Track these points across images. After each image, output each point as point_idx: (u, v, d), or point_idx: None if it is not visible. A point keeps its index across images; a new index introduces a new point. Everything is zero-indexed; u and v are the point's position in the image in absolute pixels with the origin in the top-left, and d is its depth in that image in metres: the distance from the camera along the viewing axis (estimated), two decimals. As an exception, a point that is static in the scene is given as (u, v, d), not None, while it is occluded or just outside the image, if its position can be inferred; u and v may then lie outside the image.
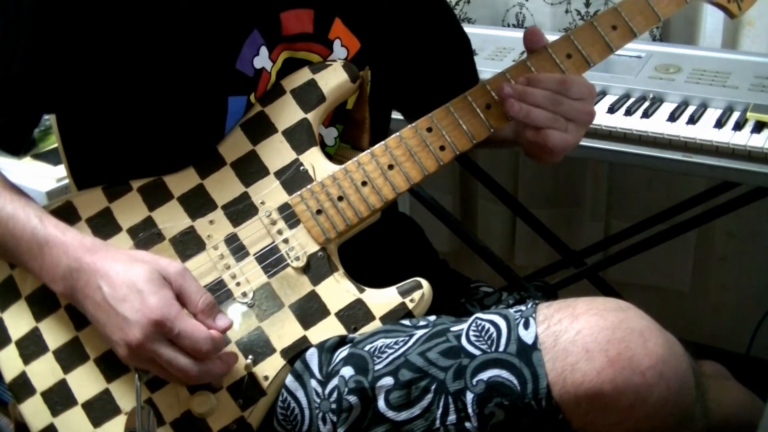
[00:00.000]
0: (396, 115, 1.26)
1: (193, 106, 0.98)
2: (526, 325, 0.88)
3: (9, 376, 0.98)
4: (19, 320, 0.99)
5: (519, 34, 1.83)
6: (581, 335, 0.85)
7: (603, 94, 1.56)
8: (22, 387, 0.97)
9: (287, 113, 1.01)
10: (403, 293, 0.97)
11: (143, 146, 1.01)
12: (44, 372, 0.97)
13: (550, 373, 0.84)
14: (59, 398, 0.97)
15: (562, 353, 0.84)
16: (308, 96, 1.02)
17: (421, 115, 1.02)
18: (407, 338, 0.92)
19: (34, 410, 0.97)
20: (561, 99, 1.00)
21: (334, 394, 0.91)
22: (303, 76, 1.03)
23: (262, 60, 1.00)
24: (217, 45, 0.97)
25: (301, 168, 1.00)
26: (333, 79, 1.02)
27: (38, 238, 0.92)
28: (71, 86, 0.96)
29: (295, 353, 0.96)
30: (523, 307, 0.91)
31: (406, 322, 0.96)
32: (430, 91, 1.16)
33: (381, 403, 0.89)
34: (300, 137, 1.01)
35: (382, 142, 1.00)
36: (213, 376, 0.90)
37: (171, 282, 0.89)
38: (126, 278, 0.88)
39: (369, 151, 1.00)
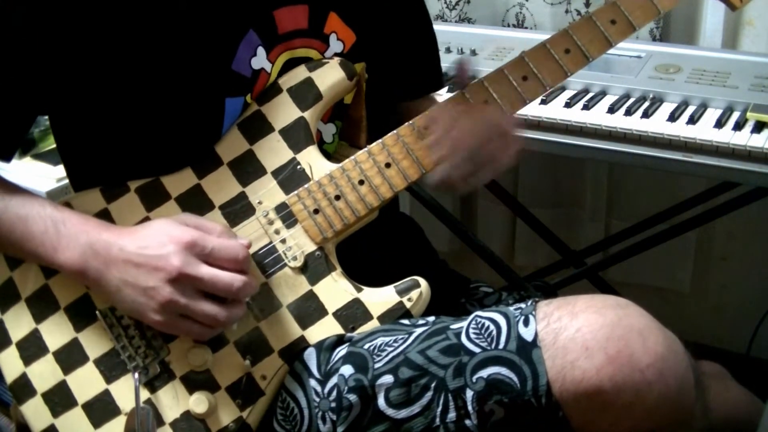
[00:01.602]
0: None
1: (189, 108, 0.98)
2: (526, 323, 0.88)
3: (10, 378, 0.98)
4: (19, 322, 0.99)
5: (519, 34, 1.88)
6: (581, 333, 0.84)
7: (603, 94, 1.56)
8: (23, 388, 0.98)
9: (284, 112, 1.01)
10: (401, 292, 0.97)
11: (140, 147, 1.00)
12: (44, 373, 0.97)
13: (550, 371, 0.84)
14: (59, 399, 0.97)
15: (562, 351, 0.84)
16: (305, 94, 1.01)
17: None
18: (407, 336, 0.92)
19: (34, 411, 0.97)
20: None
21: (334, 393, 0.91)
22: (299, 74, 1.02)
23: (260, 61, 1.00)
24: (212, 46, 0.96)
25: (298, 167, 1.00)
26: (330, 77, 1.02)
27: (54, 218, 0.93)
28: (65, 88, 0.96)
29: (293, 353, 0.95)
30: (523, 305, 0.91)
31: (405, 321, 0.95)
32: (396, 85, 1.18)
33: (381, 402, 0.89)
34: (297, 136, 1.00)
35: (379, 141, 1.00)
36: (253, 288, 0.93)
37: (187, 223, 0.92)
38: (145, 231, 0.92)
39: (366, 149, 1.00)
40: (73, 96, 0.97)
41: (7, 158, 0.99)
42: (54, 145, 1.58)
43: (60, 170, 1.55)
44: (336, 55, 1.06)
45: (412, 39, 1.22)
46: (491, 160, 1.00)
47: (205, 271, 0.88)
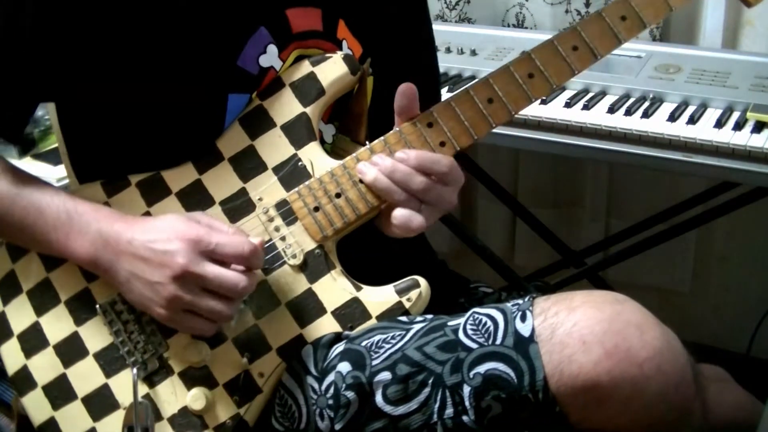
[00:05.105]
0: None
1: (192, 102, 0.97)
2: (523, 318, 0.88)
3: (11, 369, 0.99)
4: (20, 314, 0.99)
5: (519, 34, 1.89)
6: (578, 327, 0.84)
7: (603, 94, 1.57)
8: (24, 380, 0.99)
9: (286, 107, 1.00)
10: (400, 292, 0.96)
11: (142, 138, 1.00)
12: (45, 366, 0.98)
13: (547, 366, 0.84)
14: (59, 392, 0.97)
15: (559, 345, 0.84)
16: (308, 89, 1.00)
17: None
18: (404, 333, 0.92)
19: (35, 403, 0.98)
20: (420, 179, 0.94)
21: (331, 390, 0.91)
22: (302, 69, 1.00)
23: (270, 58, 0.99)
24: (219, 41, 0.96)
25: (300, 163, 0.99)
26: (333, 71, 1.00)
27: (68, 207, 0.95)
28: (71, 75, 0.96)
29: (291, 351, 0.95)
30: (520, 301, 0.91)
31: (403, 318, 0.95)
32: None
33: (378, 398, 0.89)
34: (299, 132, 1.00)
35: (381, 138, 0.98)
36: (254, 286, 0.93)
37: (198, 220, 0.93)
38: (154, 223, 0.93)
39: (368, 147, 0.99)
40: (77, 82, 0.97)
41: (15, 140, 1.01)
42: (54, 145, 1.58)
43: (60, 170, 1.54)
44: None
45: (415, 61, 1.19)
46: (429, 202, 0.96)
47: (210, 269, 0.89)
